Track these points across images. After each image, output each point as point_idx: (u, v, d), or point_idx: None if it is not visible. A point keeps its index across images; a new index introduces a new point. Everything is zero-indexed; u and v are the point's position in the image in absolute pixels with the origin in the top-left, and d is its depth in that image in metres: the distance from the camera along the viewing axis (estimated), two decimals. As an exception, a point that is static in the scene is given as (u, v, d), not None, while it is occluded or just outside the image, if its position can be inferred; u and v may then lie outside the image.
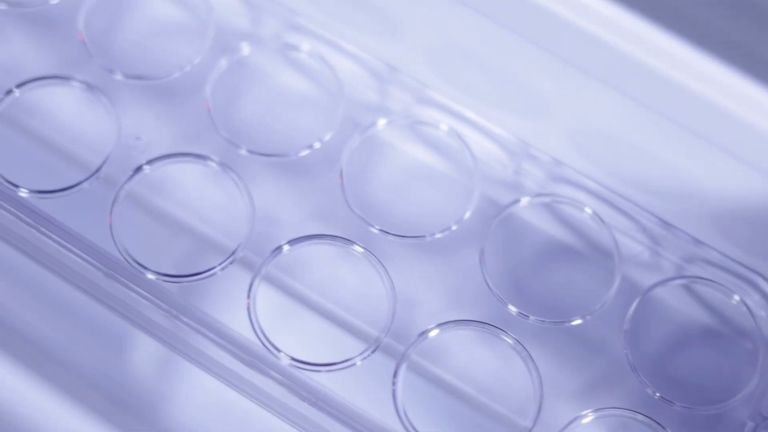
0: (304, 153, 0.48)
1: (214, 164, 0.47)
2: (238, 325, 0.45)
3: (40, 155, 0.48)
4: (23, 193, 0.47)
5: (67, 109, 0.49)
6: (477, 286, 0.47)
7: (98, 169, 0.47)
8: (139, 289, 0.45)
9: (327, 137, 0.48)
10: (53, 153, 0.48)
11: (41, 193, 0.47)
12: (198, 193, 0.48)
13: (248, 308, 0.45)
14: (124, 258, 0.46)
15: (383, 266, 0.46)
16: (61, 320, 0.48)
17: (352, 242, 0.46)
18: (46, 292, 0.48)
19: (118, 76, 0.49)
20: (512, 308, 0.46)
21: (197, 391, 0.47)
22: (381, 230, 0.47)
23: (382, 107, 0.49)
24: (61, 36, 0.50)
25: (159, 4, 0.51)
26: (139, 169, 0.47)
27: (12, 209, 0.46)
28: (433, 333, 0.45)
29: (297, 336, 0.46)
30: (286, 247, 0.46)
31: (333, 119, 0.49)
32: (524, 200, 0.47)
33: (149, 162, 0.47)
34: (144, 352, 0.47)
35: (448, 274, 0.47)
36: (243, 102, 0.49)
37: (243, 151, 0.48)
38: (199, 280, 0.46)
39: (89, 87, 0.48)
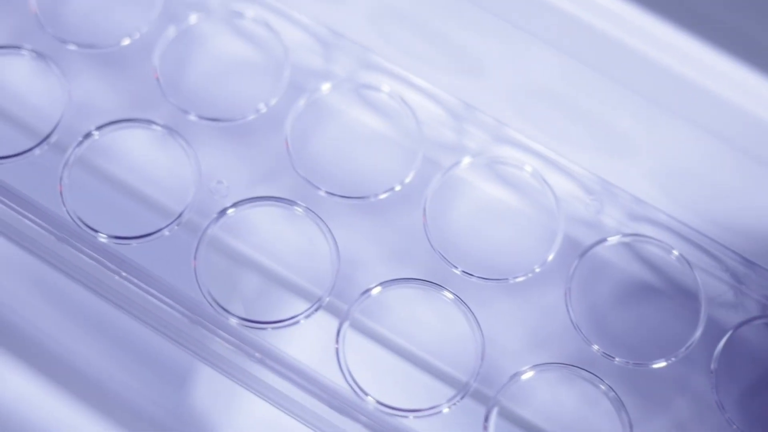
0: (384, 195, 0.48)
1: (299, 209, 0.47)
2: (314, 364, 0.45)
3: (119, 199, 0.48)
4: (102, 239, 0.47)
5: (145, 152, 0.49)
6: (560, 325, 0.47)
7: (180, 215, 0.47)
8: (224, 334, 0.45)
9: (408, 179, 0.48)
10: (132, 197, 0.48)
11: (120, 239, 0.47)
12: (280, 235, 0.48)
13: (337, 352, 0.45)
14: (209, 302, 0.46)
15: (471, 311, 0.46)
16: (125, 357, 0.48)
17: (442, 287, 0.46)
18: (109, 328, 0.48)
19: (192, 117, 0.49)
20: (597, 348, 0.46)
21: (260, 425, 0.47)
22: (464, 272, 0.47)
23: (460, 146, 0.49)
24: (133, 77, 0.50)
25: (232, 44, 0.51)
26: (223, 212, 0.47)
27: (93, 254, 0.46)
28: (527, 376, 0.45)
29: (383, 381, 0.46)
30: (376, 290, 0.46)
31: (413, 159, 0.48)
32: (612, 239, 0.47)
33: (234, 205, 0.47)
34: (206, 387, 0.47)
35: (531, 314, 0.47)
36: (321, 142, 0.49)
37: (322, 192, 0.48)
38: (283, 327, 0.46)
39: (170, 131, 0.48)
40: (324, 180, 0.48)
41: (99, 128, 0.48)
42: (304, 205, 0.47)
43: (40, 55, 0.49)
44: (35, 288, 0.49)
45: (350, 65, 0.50)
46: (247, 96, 0.49)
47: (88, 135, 0.48)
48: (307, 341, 0.46)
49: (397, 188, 0.48)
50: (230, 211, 0.47)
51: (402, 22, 0.48)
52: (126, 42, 0.50)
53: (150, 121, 0.48)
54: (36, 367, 0.48)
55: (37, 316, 0.48)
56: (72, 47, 0.50)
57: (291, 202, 0.47)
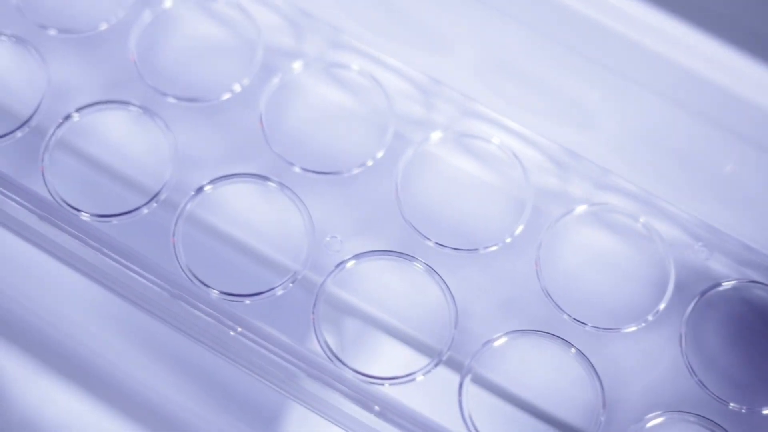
0: (494, 248, 0.48)
1: (419, 265, 0.47)
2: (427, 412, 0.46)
3: (230, 254, 0.48)
4: (215, 295, 0.47)
5: (254, 207, 0.49)
6: (671, 369, 0.47)
7: (296, 273, 0.47)
8: (341, 386, 0.45)
9: (518, 230, 0.48)
10: (243, 252, 0.48)
11: (232, 296, 0.47)
12: (394, 288, 0.48)
13: (460, 404, 0.45)
14: (327, 355, 0.46)
15: (589, 360, 0.46)
16: (216, 400, 0.48)
17: (570, 344, 0.46)
18: (199, 372, 0.48)
19: (297, 169, 0.49)
20: (712, 393, 0.46)
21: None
22: (574, 319, 0.47)
23: (566, 195, 0.49)
24: (235, 129, 0.50)
25: (335, 94, 0.51)
26: (341, 265, 0.47)
27: (207, 309, 0.46)
28: (654, 422, 0.45)
29: (500, 428, 0.46)
30: (500, 341, 0.46)
31: (522, 210, 0.48)
32: (727, 284, 0.48)
33: (356, 257, 0.47)
34: (296, 427, 0.48)
35: (644, 362, 0.47)
36: (429, 192, 0.49)
37: (431, 243, 0.48)
38: (402, 383, 0.46)
39: (280, 185, 0.48)
40: (432, 230, 0.48)
41: (211, 182, 0.48)
42: (423, 261, 0.47)
43: (145, 109, 0.49)
44: (124, 332, 0.49)
45: (453, 114, 0.50)
46: (352, 148, 0.50)
47: (199, 190, 0.48)
48: (421, 392, 0.46)
49: (508, 240, 0.48)
50: (349, 264, 0.47)
51: (505, 71, 0.48)
52: (226, 96, 0.50)
53: (265, 177, 0.48)
54: (126, 412, 0.48)
55: (127, 360, 0.48)
56: (171, 100, 0.50)
57: (411, 258, 0.47)
